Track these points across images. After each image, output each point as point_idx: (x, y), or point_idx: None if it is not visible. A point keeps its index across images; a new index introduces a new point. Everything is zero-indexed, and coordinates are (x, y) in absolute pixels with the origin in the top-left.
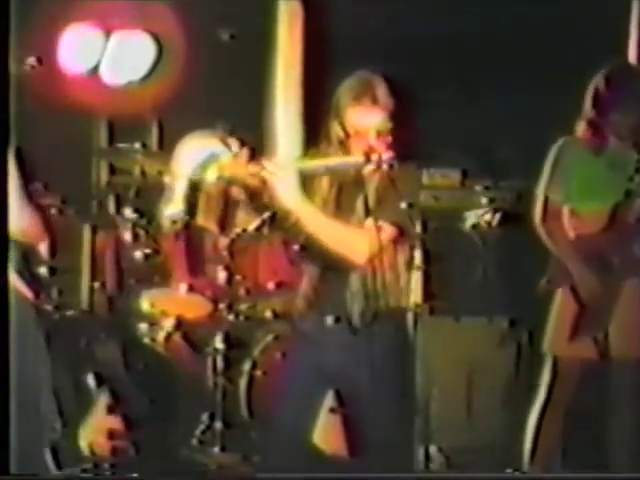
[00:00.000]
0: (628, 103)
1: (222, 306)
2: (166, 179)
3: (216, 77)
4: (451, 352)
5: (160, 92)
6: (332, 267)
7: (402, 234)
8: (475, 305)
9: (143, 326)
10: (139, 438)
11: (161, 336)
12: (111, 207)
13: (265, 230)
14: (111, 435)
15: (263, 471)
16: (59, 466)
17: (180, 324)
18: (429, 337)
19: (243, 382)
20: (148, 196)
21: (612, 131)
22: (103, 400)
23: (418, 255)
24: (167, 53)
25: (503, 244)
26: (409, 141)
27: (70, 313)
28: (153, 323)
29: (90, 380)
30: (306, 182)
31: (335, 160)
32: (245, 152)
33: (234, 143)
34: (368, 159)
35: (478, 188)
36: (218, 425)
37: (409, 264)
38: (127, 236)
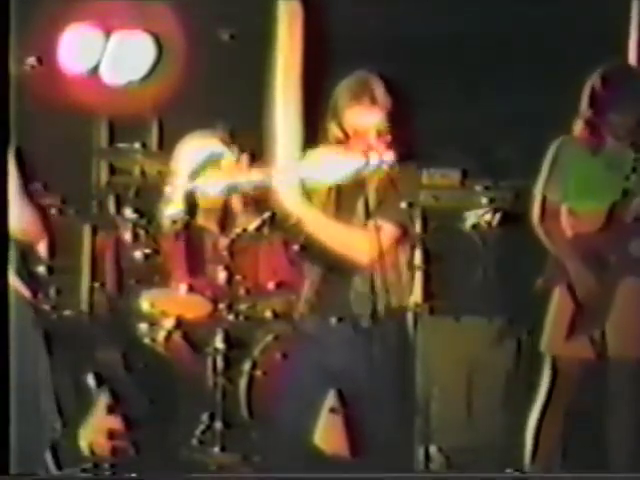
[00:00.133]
0: (625, 103)
1: (222, 306)
2: (166, 179)
3: (216, 77)
4: (451, 352)
5: (160, 92)
6: (334, 268)
7: (405, 233)
8: (475, 305)
9: (143, 326)
10: (139, 438)
11: (161, 336)
12: (111, 207)
13: (265, 230)
14: (111, 435)
15: (263, 471)
16: (59, 466)
17: (180, 324)
18: (429, 337)
19: (243, 382)
20: (148, 196)
21: (609, 131)
22: (103, 400)
23: (418, 255)
24: (167, 53)
25: (503, 244)
26: (409, 141)
27: (70, 313)
28: (153, 323)
29: (90, 380)
30: (305, 184)
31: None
32: (245, 157)
33: (234, 149)
34: (368, 159)
35: (478, 188)
36: (218, 425)
37: (409, 264)
38: (127, 236)
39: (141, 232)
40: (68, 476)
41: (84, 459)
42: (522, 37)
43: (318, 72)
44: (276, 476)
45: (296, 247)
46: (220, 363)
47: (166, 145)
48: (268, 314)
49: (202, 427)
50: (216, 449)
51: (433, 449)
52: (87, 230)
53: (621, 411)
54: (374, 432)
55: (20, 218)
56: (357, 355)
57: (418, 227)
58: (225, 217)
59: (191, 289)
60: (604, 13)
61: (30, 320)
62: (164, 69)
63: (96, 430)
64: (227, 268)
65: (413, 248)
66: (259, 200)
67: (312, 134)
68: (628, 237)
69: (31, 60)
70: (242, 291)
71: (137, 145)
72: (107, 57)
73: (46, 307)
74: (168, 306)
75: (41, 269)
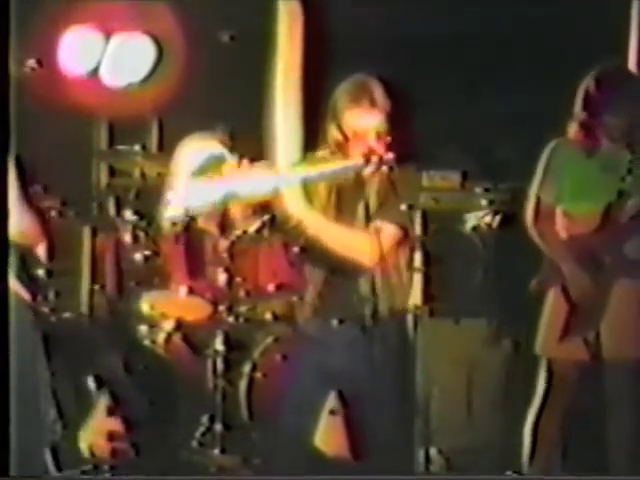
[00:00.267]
0: (619, 104)
1: (222, 308)
2: (166, 181)
3: (216, 79)
4: (451, 354)
5: (160, 94)
6: (336, 271)
7: (405, 235)
8: (475, 307)
9: (143, 328)
10: (139, 440)
11: (161, 338)
12: (111, 209)
13: (265, 232)
14: (111, 437)
15: (263, 473)
16: (59, 468)
17: (180, 326)
18: (429, 339)
19: (243, 384)
20: (148, 198)
21: (604, 132)
22: (103, 402)
23: (418, 257)
24: (167, 55)
25: (503, 246)
26: (408, 142)
27: (70, 315)
28: (153, 325)
29: (90, 382)
30: (306, 187)
31: (335, 165)
32: (246, 162)
33: (234, 151)
34: (368, 161)
35: (478, 190)
36: (218, 427)
37: (409, 266)
38: (127, 238)
39: (141, 234)
40: (68, 478)
41: (84, 461)
42: (522, 37)
43: (318, 73)
44: (276, 478)
45: (296, 249)
46: (220, 365)
47: (166, 147)
48: (268, 316)
49: (202, 429)
50: (216, 451)
51: (433, 451)
52: (87, 232)
53: (619, 412)
54: (374, 434)
55: (20, 221)
56: (357, 357)
57: (418, 229)
58: (225, 219)
59: (191, 291)
60: (604, 13)
61: (30, 322)
62: (164, 71)
63: (96, 432)
64: (227, 270)
65: (413, 250)
66: (259, 202)
67: (312, 135)
68: (623, 238)
69: (31, 62)
70: (242, 293)
71: (137, 147)
72: (107, 59)
73: (46, 309)
74: (168, 308)
75: (41, 272)
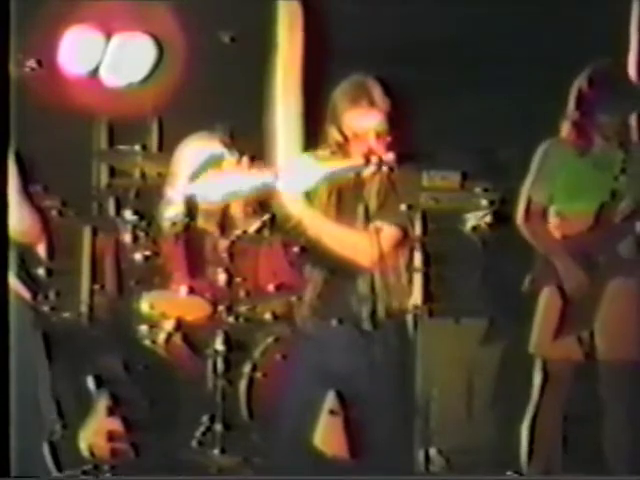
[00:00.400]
0: (612, 103)
1: (222, 308)
2: (166, 181)
3: (216, 79)
4: (451, 354)
5: (160, 94)
6: (336, 271)
7: (405, 236)
8: (475, 307)
9: (143, 328)
10: (139, 440)
11: (161, 338)
12: (111, 209)
13: (265, 232)
14: (111, 437)
15: (263, 473)
16: (59, 468)
17: (180, 326)
18: (429, 339)
19: (243, 384)
20: (148, 198)
21: (597, 131)
22: (103, 402)
23: (418, 257)
24: (167, 55)
25: (503, 245)
26: (408, 143)
27: (70, 315)
28: (153, 325)
29: (90, 382)
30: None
31: (336, 166)
32: (246, 160)
33: (234, 151)
34: (368, 161)
35: (478, 190)
36: (218, 427)
37: (409, 266)
38: (127, 238)
39: (141, 234)
40: (68, 478)
41: (84, 461)
42: (522, 37)
43: (318, 74)
44: (276, 478)
45: (296, 249)
46: (220, 365)
47: (166, 147)
48: (268, 316)
49: (202, 429)
50: (216, 451)
51: (433, 451)
52: (87, 232)
53: (616, 413)
54: (374, 434)
55: (20, 220)
56: (357, 357)
57: (418, 229)
58: (225, 219)
59: (191, 291)
60: (604, 13)
61: (30, 322)
62: (164, 71)
63: (96, 432)
64: (227, 270)
65: (413, 250)
66: (259, 202)
67: (313, 136)
68: (617, 238)
69: (31, 62)
70: (242, 293)
71: (137, 147)
72: (107, 59)
73: (46, 309)
74: (168, 308)
75: (41, 271)
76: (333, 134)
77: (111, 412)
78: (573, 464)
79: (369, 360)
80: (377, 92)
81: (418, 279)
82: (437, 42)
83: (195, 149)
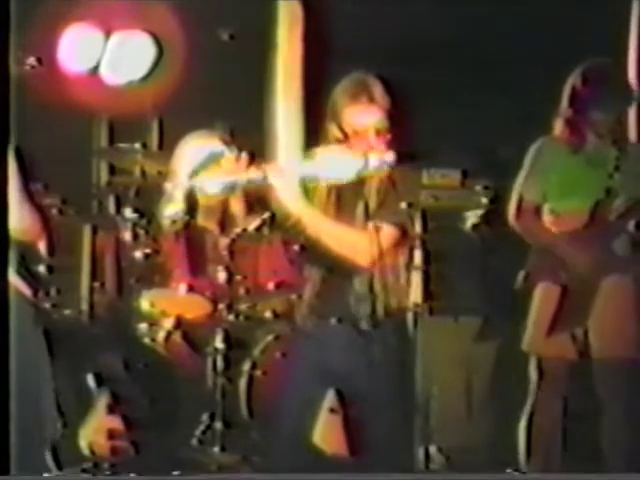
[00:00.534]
0: (606, 100)
1: (222, 306)
2: (166, 179)
3: (216, 77)
4: (451, 352)
5: (160, 92)
6: (335, 270)
7: (404, 236)
8: (475, 305)
9: (143, 326)
10: (139, 438)
11: (161, 336)
12: (111, 207)
13: (265, 230)
14: (111, 435)
15: (263, 471)
16: (59, 466)
17: (180, 324)
18: (429, 337)
19: (243, 382)
20: (148, 196)
21: (590, 129)
22: (103, 400)
23: (418, 255)
24: (167, 53)
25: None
26: (408, 140)
27: (70, 313)
28: (153, 323)
29: (90, 380)
30: (305, 185)
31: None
32: (245, 156)
33: (234, 149)
34: (368, 159)
35: (478, 188)
36: (218, 425)
37: (409, 264)
38: (127, 236)
39: (141, 232)
40: (68, 476)
41: (84, 459)
42: (522, 37)
43: (318, 72)
44: (276, 476)
45: (296, 247)
46: (220, 363)
47: (166, 145)
48: (268, 314)
49: (202, 427)
50: (216, 449)
51: (433, 449)
52: (87, 230)
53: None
54: (374, 432)
55: (20, 218)
56: (357, 355)
57: (418, 227)
58: (225, 217)
59: (191, 289)
60: (604, 13)
61: (30, 320)
62: (164, 69)
63: (96, 430)
64: (227, 268)
65: (413, 248)
66: (259, 199)
67: (313, 134)
68: (612, 235)
69: (31, 60)
70: (242, 291)
71: (137, 145)
72: (107, 57)
73: (46, 307)
74: (168, 306)
75: (41, 268)
76: (333, 131)
77: (111, 410)
78: (572, 461)
79: (369, 358)
80: (377, 89)
81: (418, 277)
82: (437, 42)
83: (195, 147)
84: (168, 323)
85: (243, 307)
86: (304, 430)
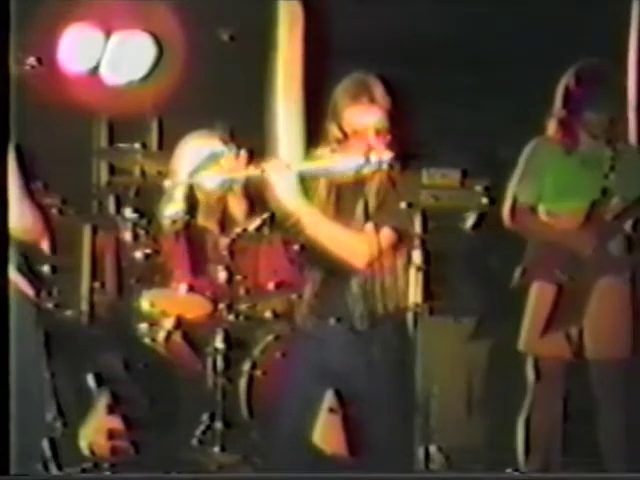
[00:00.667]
0: (600, 100)
1: (222, 306)
2: (166, 179)
3: (216, 77)
4: (451, 352)
5: (160, 92)
6: (333, 271)
7: (401, 238)
8: (475, 305)
9: (143, 326)
10: (139, 438)
11: (161, 336)
12: (111, 207)
13: (265, 230)
14: (111, 435)
15: (263, 471)
16: (59, 466)
17: (180, 324)
18: (429, 337)
19: (243, 382)
20: (148, 196)
21: (584, 129)
22: (103, 400)
23: (418, 255)
24: (167, 53)
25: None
26: (408, 140)
27: (70, 313)
28: (153, 323)
29: (90, 380)
30: (305, 185)
31: (335, 161)
32: (244, 154)
33: (232, 146)
34: (368, 159)
35: (478, 188)
36: (218, 425)
37: (409, 264)
38: (127, 236)
39: (141, 232)
40: (68, 476)
41: (84, 459)
42: (522, 37)
43: (319, 72)
44: (276, 476)
45: (296, 247)
46: (220, 363)
47: (166, 145)
48: (268, 314)
49: (202, 427)
50: (216, 449)
51: (433, 448)
52: (87, 230)
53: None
54: (374, 431)
55: (20, 218)
56: (357, 355)
57: (418, 227)
58: (225, 217)
59: (191, 289)
60: (604, 13)
61: (30, 320)
62: (164, 69)
63: (96, 430)
64: (227, 268)
65: (413, 248)
66: (259, 198)
67: (313, 134)
68: (607, 235)
69: (31, 60)
70: (242, 291)
71: (137, 145)
72: (107, 57)
73: (46, 307)
74: (168, 306)
75: (42, 268)
76: (333, 131)
77: (111, 410)
78: (571, 461)
79: (369, 358)
80: (378, 89)
81: (418, 277)
82: (437, 42)
83: (195, 146)
84: (168, 323)
85: (243, 307)
86: (304, 430)
